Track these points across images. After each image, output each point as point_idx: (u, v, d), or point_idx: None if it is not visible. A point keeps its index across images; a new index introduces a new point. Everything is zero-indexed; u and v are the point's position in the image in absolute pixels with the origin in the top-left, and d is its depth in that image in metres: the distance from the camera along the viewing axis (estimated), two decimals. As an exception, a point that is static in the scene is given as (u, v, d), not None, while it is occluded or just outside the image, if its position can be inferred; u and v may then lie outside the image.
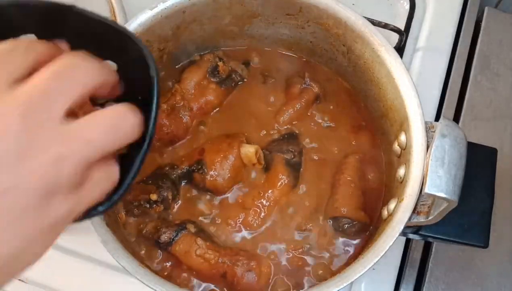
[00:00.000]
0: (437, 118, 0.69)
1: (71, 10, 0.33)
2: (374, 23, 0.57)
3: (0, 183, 0.26)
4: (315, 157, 0.58)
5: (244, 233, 0.54)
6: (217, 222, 0.55)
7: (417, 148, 0.47)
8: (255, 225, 0.54)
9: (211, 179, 0.55)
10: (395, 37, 0.70)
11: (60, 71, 0.29)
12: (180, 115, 0.58)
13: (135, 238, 0.54)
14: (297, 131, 0.59)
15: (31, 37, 0.33)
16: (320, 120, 0.59)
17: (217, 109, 0.60)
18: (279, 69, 0.62)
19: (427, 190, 0.41)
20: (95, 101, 0.34)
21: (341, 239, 0.54)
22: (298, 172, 0.57)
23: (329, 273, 0.53)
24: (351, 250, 0.54)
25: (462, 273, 0.63)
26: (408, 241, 0.64)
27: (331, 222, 0.55)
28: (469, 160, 0.43)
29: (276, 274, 0.53)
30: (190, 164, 0.56)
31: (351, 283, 0.48)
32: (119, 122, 0.30)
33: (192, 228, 0.53)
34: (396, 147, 0.51)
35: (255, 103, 0.60)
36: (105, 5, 0.73)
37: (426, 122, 0.48)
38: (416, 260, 0.64)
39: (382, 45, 0.51)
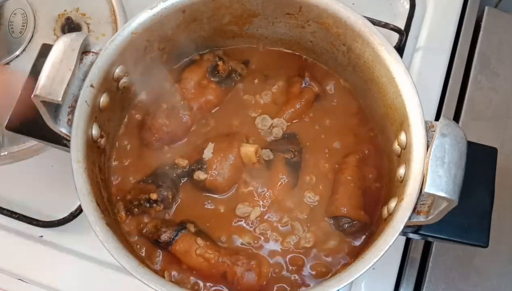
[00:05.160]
0: (437, 117, 0.69)
1: None
2: (374, 22, 0.57)
3: None
4: (315, 157, 0.58)
5: (244, 233, 0.54)
6: (217, 221, 0.55)
7: (417, 147, 0.47)
8: (255, 224, 0.54)
9: (211, 178, 0.55)
10: (395, 36, 0.70)
11: None
12: (180, 115, 0.58)
13: (135, 238, 0.54)
14: (297, 131, 0.59)
15: None
16: (320, 120, 0.59)
17: (217, 108, 0.60)
18: (279, 69, 0.62)
19: (427, 189, 0.41)
20: None
21: (341, 239, 0.54)
22: (298, 171, 0.57)
23: (329, 272, 0.53)
24: (351, 249, 0.54)
25: (462, 273, 0.63)
26: (408, 241, 0.64)
27: (331, 221, 0.55)
28: (469, 160, 0.43)
29: (276, 274, 0.53)
30: (190, 163, 0.56)
31: (351, 283, 0.48)
32: None
33: (192, 228, 0.53)
34: (396, 146, 0.51)
35: (255, 103, 0.60)
36: (105, 5, 0.73)
37: (426, 122, 0.48)
38: (416, 260, 0.64)
39: (382, 44, 0.51)
